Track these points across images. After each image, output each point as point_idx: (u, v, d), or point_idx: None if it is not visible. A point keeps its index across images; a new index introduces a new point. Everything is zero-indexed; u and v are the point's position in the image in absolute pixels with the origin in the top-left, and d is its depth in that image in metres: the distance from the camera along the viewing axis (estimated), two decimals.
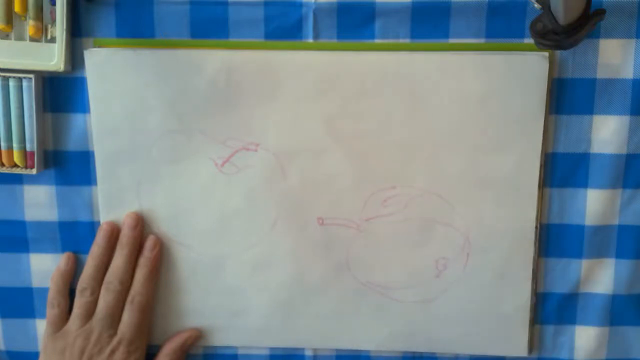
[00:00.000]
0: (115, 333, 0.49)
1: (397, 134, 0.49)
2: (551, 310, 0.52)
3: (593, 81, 0.48)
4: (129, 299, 0.50)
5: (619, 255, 0.50)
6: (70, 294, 0.51)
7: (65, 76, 0.49)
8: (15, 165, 0.50)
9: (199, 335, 0.52)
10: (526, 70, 0.47)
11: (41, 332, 0.53)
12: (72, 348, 0.49)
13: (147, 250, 0.50)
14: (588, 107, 0.48)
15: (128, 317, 0.49)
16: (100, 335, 0.49)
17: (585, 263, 0.51)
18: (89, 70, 0.49)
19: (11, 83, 0.48)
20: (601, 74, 0.48)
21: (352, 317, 0.52)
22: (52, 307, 0.50)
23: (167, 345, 0.52)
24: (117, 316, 0.50)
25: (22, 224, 0.52)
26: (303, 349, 0.53)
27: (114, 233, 0.50)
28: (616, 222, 0.50)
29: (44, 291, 0.52)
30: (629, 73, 0.47)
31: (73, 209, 0.51)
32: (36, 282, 0.53)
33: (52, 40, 0.48)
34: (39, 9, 0.47)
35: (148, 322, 0.51)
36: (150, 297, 0.51)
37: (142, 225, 0.50)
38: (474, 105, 0.48)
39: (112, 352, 0.49)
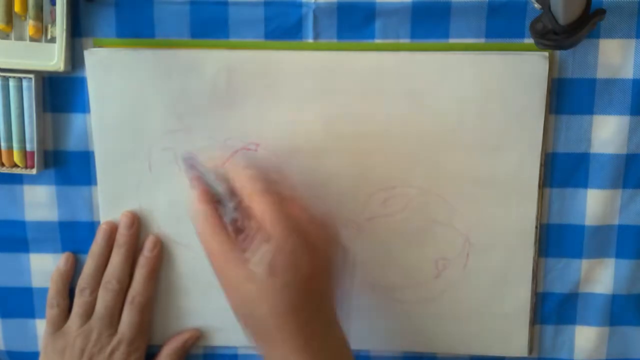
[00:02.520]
0: (115, 332, 0.49)
1: (397, 134, 0.49)
2: (551, 310, 0.52)
3: (593, 81, 0.48)
4: (129, 298, 0.50)
5: (619, 255, 0.50)
6: (70, 293, 0.51)
7: (65, 76, 0.49)
8: (15, 165, 0.50)
9: (199, 335, 0.52)
10: (526, 70, 0.47)
11: (41, 332, 0.53)
12: (72, 348, 0.49)
13: (146, 250, 0.50)
14: (588, 107, 0.48)
15: (128, 317, 0.49)
16: (100, 334, 0.49)
17: (585, 263, 0.51)
18: (89, 70, 0.49)
19: (11, 83, 0.48)
20: (601, 74, 0.48)
21: (352, 317, 0.52)
22: (51, 306, 0.50)
23: (167, 346, 0.52)
24: (117, 315, 0.50)
25: (22, 224, 0.52)
26: None
27: (113, 233, 0.50)
28: (616, 222, 0.50)
29: (44, 291, 0.52)
30: (629, 73, 0.47)
31: (73, 209, 0.51)
32: (36, 282, 0.53)
33: (52, 40, 0.48)
34: (39, 9, 0.47)
35: (148, 321, 0.51)
36: (150, 296, 0.51)
37: (138, 224, 0.50)
38: (474, 105, 0.48)
39: (112, 351, 0.49)
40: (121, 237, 0.50)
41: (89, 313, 0.50)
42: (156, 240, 0.51)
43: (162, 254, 0.51)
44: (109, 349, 0.49)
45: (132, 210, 0.51)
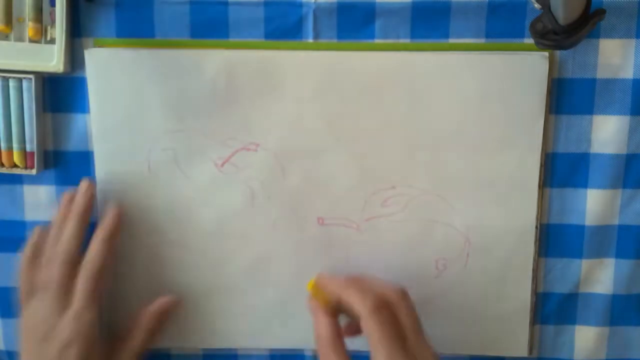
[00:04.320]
0: (69, 304, 0.47)
1: (397, 134, 0.49)
2: (551, 310, 0.52)
3: (593, 81, 0.48)
4: (82, 265, 0.48)
5: (619, 255, 0.50)
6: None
7: (65, 76, 0.49)
8: (15, 166, 0.50)
9: (178, 303, 0.52)
10: (526, 70, 0.47)
11: None
12: (34, 319, 0.48)
13: (104, 219, 0.49)
14: (588, 107, 0.48)
15: (80, 285, 0.48)
16: (53, 304, 0.47)
17: (585, 263, 0.51)
18: (89, 70, 0.49)
19: (11, 84, 0.48)
20: (601, 74, 0.48)
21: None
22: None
23: (146, 313, 0.51)
24: (71, 285, 0.48)
25: (22, 224, 0.52)
26: (303, 350, 0.53)
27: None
28: (616, 222, 0.50)
29: None
30: (629, 73, 0.47)
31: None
32: None
33: (52, 41, 0.48)
34: (39, 10, 0.47)
35: (101, 289, 0.49)
36: (104, 265, 0.48)
37: (93, 191, 0.50)
38: (474, 105, 0.48)
39: (64, 319, 0.47)
40: (76, 205, 0.49)
41: (46, 285, 0.48)
42: (116, 211, 0.49)
43: (162, 254, 0.51)
44: (61, 317, 0.47)
45: (132, 210, 0.51)
